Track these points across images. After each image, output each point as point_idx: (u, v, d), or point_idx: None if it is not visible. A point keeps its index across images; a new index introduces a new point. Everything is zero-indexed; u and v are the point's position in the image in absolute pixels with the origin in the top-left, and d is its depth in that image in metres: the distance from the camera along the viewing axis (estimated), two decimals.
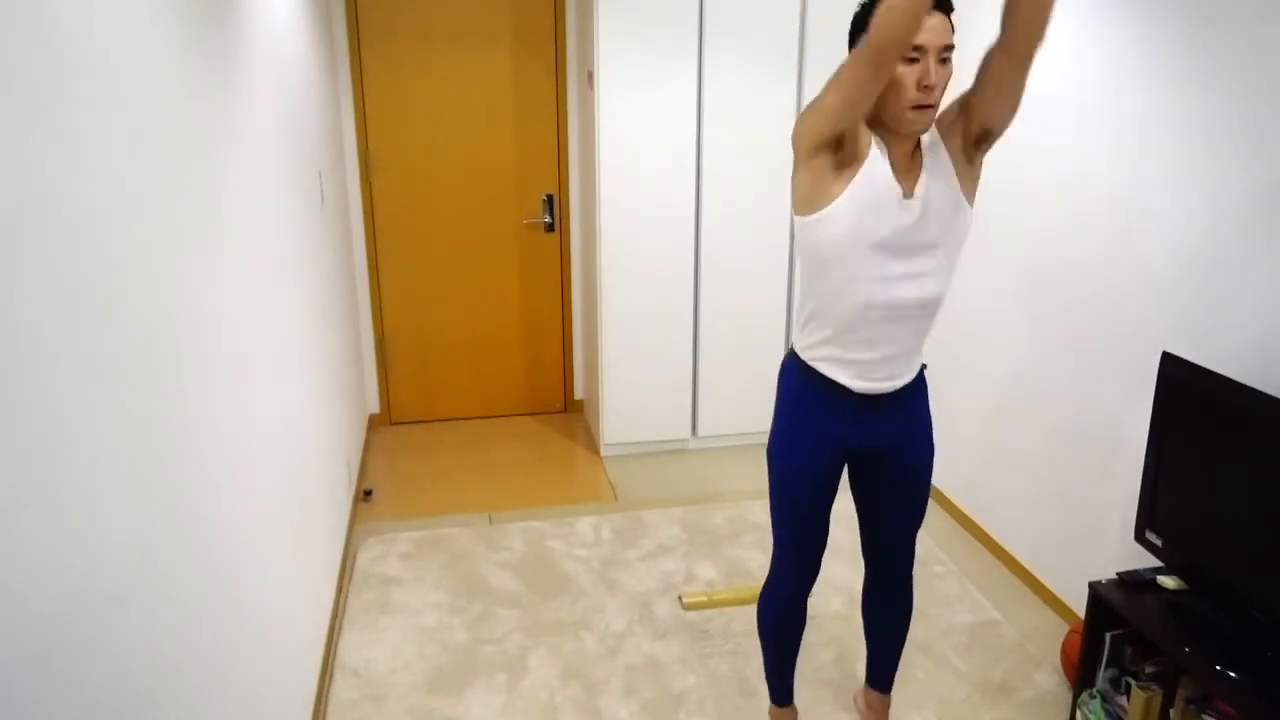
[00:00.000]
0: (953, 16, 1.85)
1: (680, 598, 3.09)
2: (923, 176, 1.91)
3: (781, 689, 2.48)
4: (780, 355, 4.31)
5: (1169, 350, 2.56)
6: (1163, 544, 2.40)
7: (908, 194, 1.89)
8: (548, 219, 4.51)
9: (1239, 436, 2.16)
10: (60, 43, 1.18)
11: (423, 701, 2.65)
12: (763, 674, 2.75)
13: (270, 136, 2.48)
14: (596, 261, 4.06)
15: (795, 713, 2.53)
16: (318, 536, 2.82)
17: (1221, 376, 2.20)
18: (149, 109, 1.50)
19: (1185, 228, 2.51)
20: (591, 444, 4.44)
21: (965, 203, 1.96)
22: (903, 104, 1.81)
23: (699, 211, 4.06)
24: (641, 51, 3.79)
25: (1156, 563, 2.55)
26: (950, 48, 1.82)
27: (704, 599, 3.08)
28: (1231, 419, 2.18)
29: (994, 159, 3.31)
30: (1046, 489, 3.13)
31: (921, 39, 1.79)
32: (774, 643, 2.40)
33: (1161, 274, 2.59)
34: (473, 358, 4.65)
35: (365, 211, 4.33)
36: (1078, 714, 2.53)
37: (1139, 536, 2.47)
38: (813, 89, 3.97)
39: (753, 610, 3.05)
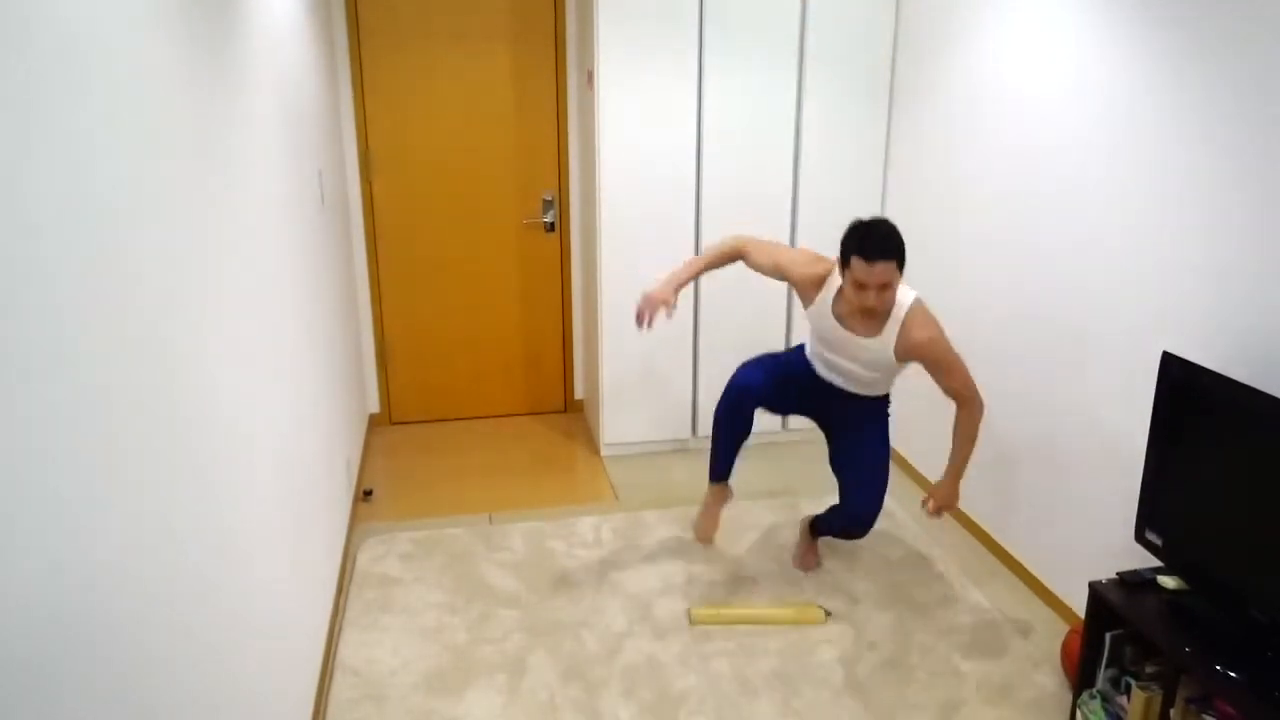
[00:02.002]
0: (898, 263, 2.61)
1: (689, 612, 3.05)
2: (864, 337, 2.81)
3: (720, 470, 3.19)
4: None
5: (1169, 350, 2.56)
6: (1163, 544, 2.40)
7: (846, 328, 2.83)
8: (548, 219, 4.51)
9: (1239, 436, 2.16)
10: (59, 43, 1.18)
11: (423, 701, 2.65)
12: (763, 675, 2.76)
13: (270, 136, 2.48)
14: (596, 261, 4.06)
15: (729, 489, 3.25)
16: (318, 536, 2.82)
17: (1221, 376, 2.20)
18: (147, 108, 1.50)
19: (1185, 227, 2.51)
20: (591, 444, 4.44)
21: (893, 365, 2.85)
22: (854, 303, 2.72)
23: (699, 211, 4.06)
24: (641, 51, 3.79)
25: (1156, 563, 2.55)
26: (887, 285, 2.62)
27: (713, 614, 3.01)
28: (1231, 419, 2.18)
29: (994, 160, 3.32)
30: (1047, 489, 3.14)
31: (865, 279, 2.61)
32: (723, 431, 3.11)
33: (1161, 274, 2.59)
34: (473, 358, 4.65)
35: (365, 211, 4.33)
36: (1078, 714, 2.53)
37: (1139, 536, 2.47)
38: (813, 88, 3.97)
39: (761, 630, 3.03)
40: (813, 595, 3.16)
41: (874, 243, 2.59)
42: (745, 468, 4.16)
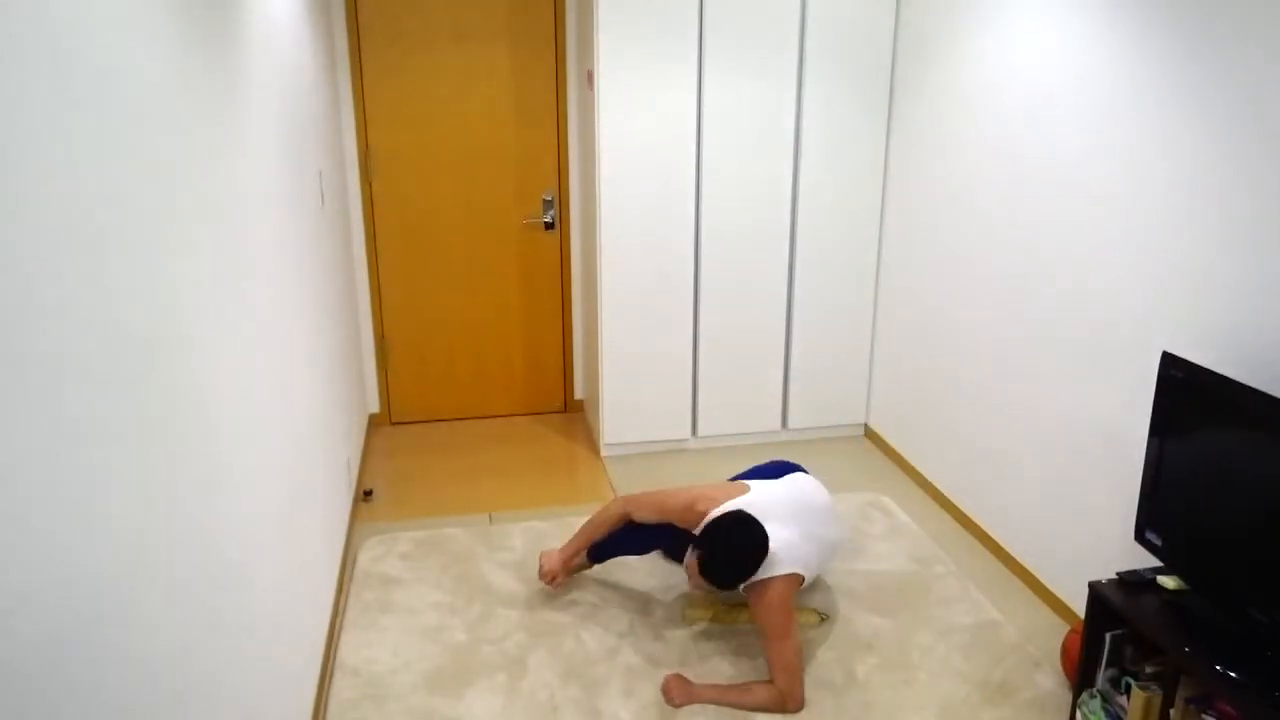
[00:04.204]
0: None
1: (683, 612, 3.05)
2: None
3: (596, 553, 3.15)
4: (779, 355, 4.32)
5: (1169, 350, 2.56)
6: (1163, 544, 2.40)
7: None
8: (548, 219, 4.51)
9: (1239, 436, 2.16)
10: (58, 44, 1.18)
11: (423, 701, 2.65)
12: (762, 675, 2.76)
13: (270, 136, 2.48)
14: (596, 261, 4.06)
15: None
16: (318, 536, 2.82)
17: (1221, 376, 2.20)
18: (147, 108, 1.50)
19: (1186, 227, 2.51)
20: (591, 444, 4.44)
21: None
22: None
23: (699, 211, 4.06)
24: (641, 51, 3.79)
25: (1156, 563, 2.56)
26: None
27: (708, 613, 3.01)
28: (1231, 419, 2.18)
29: (994, 159, 3.32)
30: (1047, 489, 3.14)
31: None
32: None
33: (1161, 274, 2.59)
34: (473, 358, 4.65)
35: (365, 211, 4.33)
36: (1078, 714, 2.53)
37: (1139, 536, 2.47)
38: (813, 88, 3.97)
39: (755, 630, 3.03)
40: (812, 596, 3.15)
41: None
42: (745, 469, 4.16)
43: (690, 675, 2.75)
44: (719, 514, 2.74)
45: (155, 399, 1.44)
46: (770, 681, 2.64)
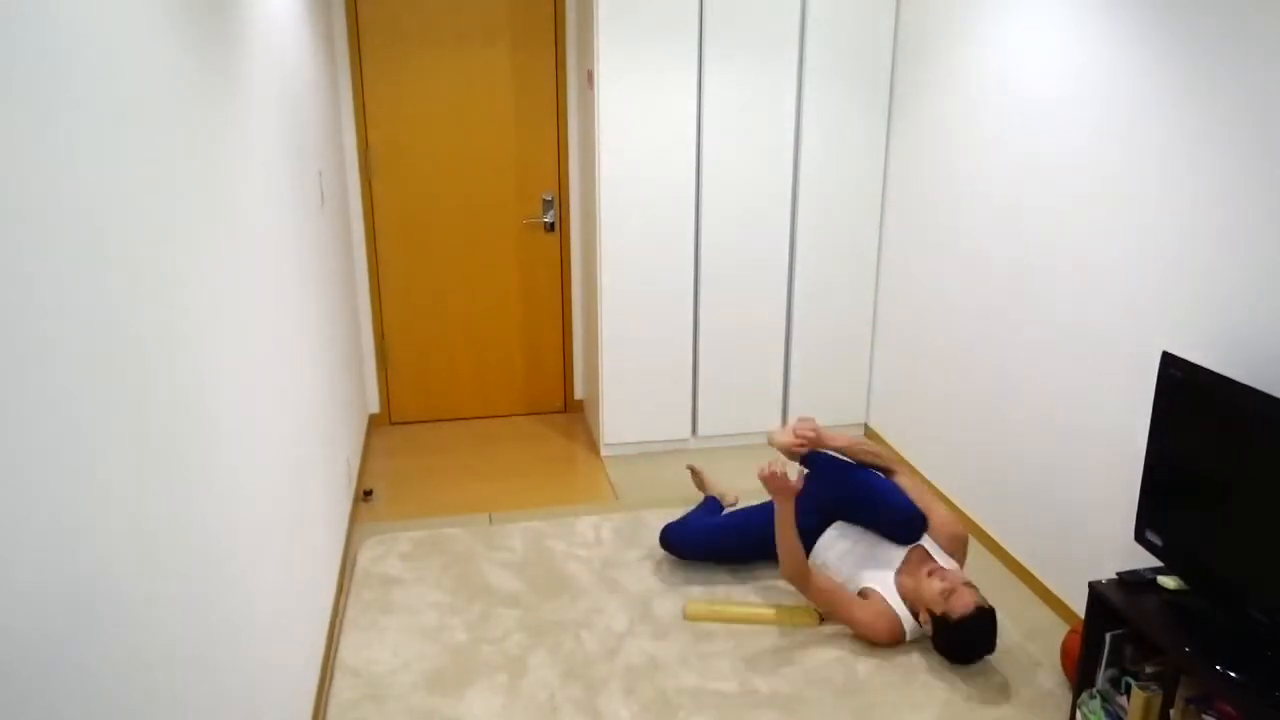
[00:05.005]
0: None
1: (685, 607, 3.06)
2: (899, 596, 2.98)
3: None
4: (779, 355, 4.32)
5: (1169, 350, 2.56)
6: (1163, 544, 2.40)
7: (898, 574, 3.03)
8: (548, 219, 4.51)
9: (1239, 436, 2.16)
10: (58, 43, 1.18)
11: (423, 701, 2.65)
12: (763, 674, 2.76)
13: (270, 136, 2.48)
14: (596, 261, 4.06)
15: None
16: (318, 536, 2.82)
17: (1221, 376, 2.20)
18: (147, 108, 1.50)
19: (1186, 228, 2.51)
20: (591, 444, 4.44)
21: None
22: (921, 591, 2.87)
23: (699, 211, 4.06)
24: (641, 51, 3.79)
25: (1156, 563, 2.56)
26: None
27: (707, 611, 3.03)
28: (1231, 419, 2.18)
29: (994, 160, 3.32)
30: (1047, 489, 3.14)
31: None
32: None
33: (1161, 274, 2.60)
34: (473, 358, 4.65)
35: (365, 211, 4.33)
36: (1078, 714, 2.53)
37: (1139, 536, 2.47)
38: (812, 88, 3.97)
39: (761, 630, 3.03)
40: None
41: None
42: (745, 469, 4.17)
43: (690, 674, 2.75)
44: (982, 605, 2.75)
45: (155, 399, 1.44)
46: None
